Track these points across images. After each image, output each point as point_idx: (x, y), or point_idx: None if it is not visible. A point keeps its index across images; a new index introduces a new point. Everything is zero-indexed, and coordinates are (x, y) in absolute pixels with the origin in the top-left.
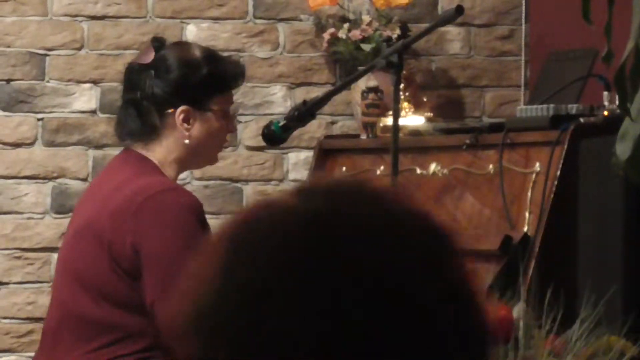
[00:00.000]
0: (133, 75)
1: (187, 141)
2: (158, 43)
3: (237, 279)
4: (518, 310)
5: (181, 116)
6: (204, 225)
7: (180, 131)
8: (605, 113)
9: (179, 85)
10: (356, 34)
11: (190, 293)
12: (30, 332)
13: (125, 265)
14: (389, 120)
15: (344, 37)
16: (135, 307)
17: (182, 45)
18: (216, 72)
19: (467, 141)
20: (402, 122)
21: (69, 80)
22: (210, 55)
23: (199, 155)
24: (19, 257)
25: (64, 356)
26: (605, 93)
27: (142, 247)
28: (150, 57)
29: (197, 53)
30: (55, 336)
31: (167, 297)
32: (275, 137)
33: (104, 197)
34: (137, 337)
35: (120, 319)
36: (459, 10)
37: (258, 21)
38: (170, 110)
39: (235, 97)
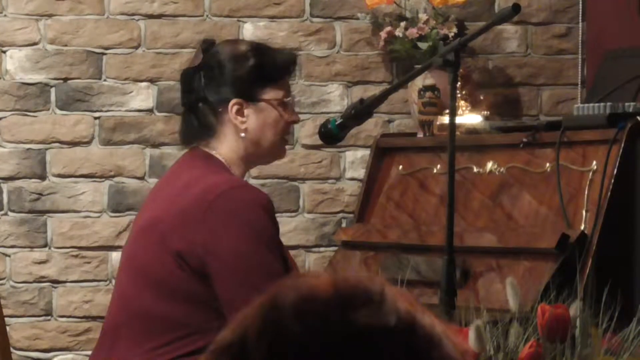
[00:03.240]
0: (186, 79)
1: (243, 134)
2: (206, 44)
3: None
4: (575, 309)
5: (234, 109)
6: (274, 221)
7: (236, 125)
8: None
9: (228, 79)
10: (413, 32)
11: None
12: (87, 331)
13: (193, 263)
14: (445, 119)
15: (400, 35)
16: (200, 303)
17: (229, 42)
18: (264, 63)
19: (524, 139)
20: (459, 120)
21: (125, 79)
22: (257, 47)
23: (259, 148)
24: (76, 256)
25: (125, 354)
26: None
27: (214, 245)
28: (199, 59)
29: (244, 47)
30: (115, 333)
31: (242, 295)
32: (332, 135)
33: (171, 195)
34: (201, 335)
35: (184, 316)
36: (516, 8)
37: (315, 20)
38: (223, 106)
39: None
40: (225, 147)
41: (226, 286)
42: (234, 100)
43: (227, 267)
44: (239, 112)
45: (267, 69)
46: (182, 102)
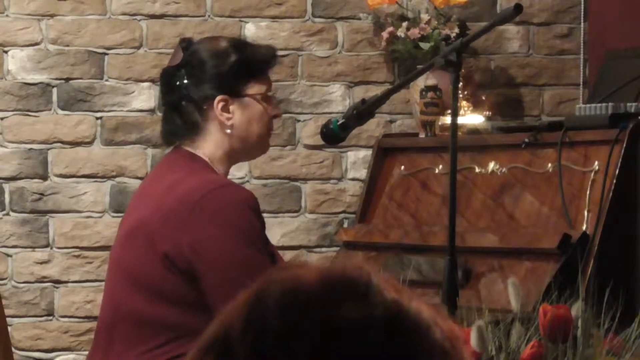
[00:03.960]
0: (167, 78)
1: (228, 130)
2: (185, 43)
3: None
4: (577, 309)
5: (219, 105)
6: (260, 219)
7: (221, 122)
8: None
9: (211, 76)
10: (415, 32)
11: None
12: (88, 331)
13: (181, 264)
14: (447, 119)
15: (402, 35)
16: (190, 305)
17: (209, 39)
18: (245, 58)
19: (526, 140)
20: (460, 120)
21: (127, 79)
22: (238, 43)
23: (246, 143)
24: (77, 256)
25: (120, 356)
26: None
27: (200, 245)
28: (179, 57)
29: (224, 43)
30: (109, 335)
31: (230, 294)
32: (334, 135)
33: (156, 197)
34: (193, 336)
35: (175, 318)
36: (518, 8)
37: (317, 20)
38: (208, 103)
39: (293, 96)
40: (210, 144)
41: (214, 286)
42: (219, 97)
43: (214, 267)
44: (224, 109)
45: (249, 64)
46: (163, 101)
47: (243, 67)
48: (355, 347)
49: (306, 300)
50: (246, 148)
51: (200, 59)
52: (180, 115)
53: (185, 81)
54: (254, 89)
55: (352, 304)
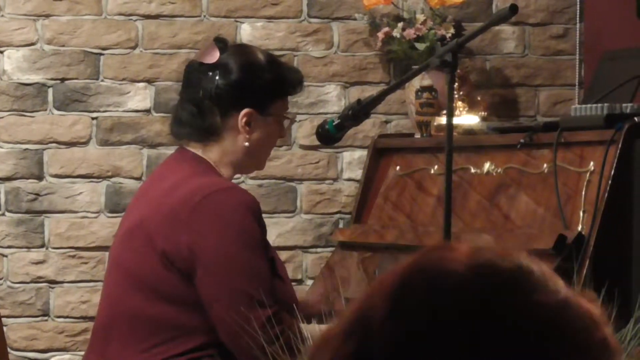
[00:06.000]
0: (195, 73)
1: (247, 144)
2: (222, 44)
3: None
4: None
5: (244, 119)
6: (261, 224)
7: (240, 133)
8: None
9: (245, 87)
10: (410, 33)
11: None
12: (84, 331)
13: (180, 264)
14: (443, 119)
15: (398, 36)
16: (188, 305)
17: (246, 49)
18: (279, 77)
19: (522, 140)
20: (456, 121)
21: (123, 80)
22: (274, 60)
23: (253, 159)
24: (73, 256)
25: (117, 355)
26: None
27: (199, 246)
28: (214, 57)
29: (262, 57)
30: (106, 334)
31: (225, 296)
32: (330, 136)
33: (157, 196)
34: (191, 336)
35: (173, 317)
36: (513, 9)
37: (312, 20)
38: (233, 112)
39: (289, 96)
40: (221, 151)
41: (209, 287)
42: (246, 110)
43: (211, 268)
44: (247, 122)
45: (280, 84)
46: (181, 94)
47: (275, 86)
48: (507, 347)
49: (454, 291)
50: (249, 163)
51: (238, 66)
52: (199, 113)
53: (216, 82)
54: (277, 109)
55: (507, 298)
